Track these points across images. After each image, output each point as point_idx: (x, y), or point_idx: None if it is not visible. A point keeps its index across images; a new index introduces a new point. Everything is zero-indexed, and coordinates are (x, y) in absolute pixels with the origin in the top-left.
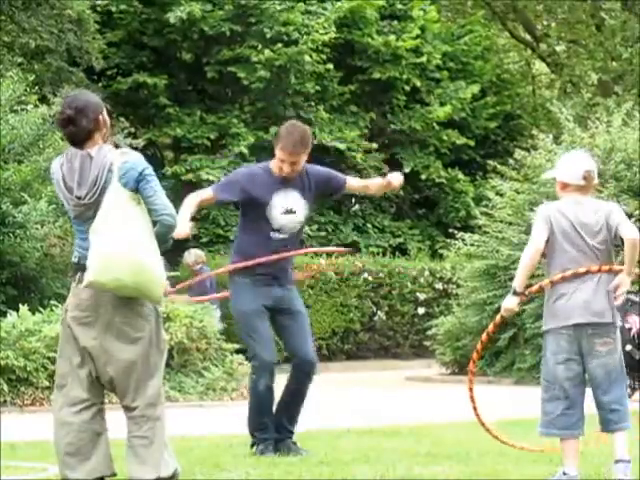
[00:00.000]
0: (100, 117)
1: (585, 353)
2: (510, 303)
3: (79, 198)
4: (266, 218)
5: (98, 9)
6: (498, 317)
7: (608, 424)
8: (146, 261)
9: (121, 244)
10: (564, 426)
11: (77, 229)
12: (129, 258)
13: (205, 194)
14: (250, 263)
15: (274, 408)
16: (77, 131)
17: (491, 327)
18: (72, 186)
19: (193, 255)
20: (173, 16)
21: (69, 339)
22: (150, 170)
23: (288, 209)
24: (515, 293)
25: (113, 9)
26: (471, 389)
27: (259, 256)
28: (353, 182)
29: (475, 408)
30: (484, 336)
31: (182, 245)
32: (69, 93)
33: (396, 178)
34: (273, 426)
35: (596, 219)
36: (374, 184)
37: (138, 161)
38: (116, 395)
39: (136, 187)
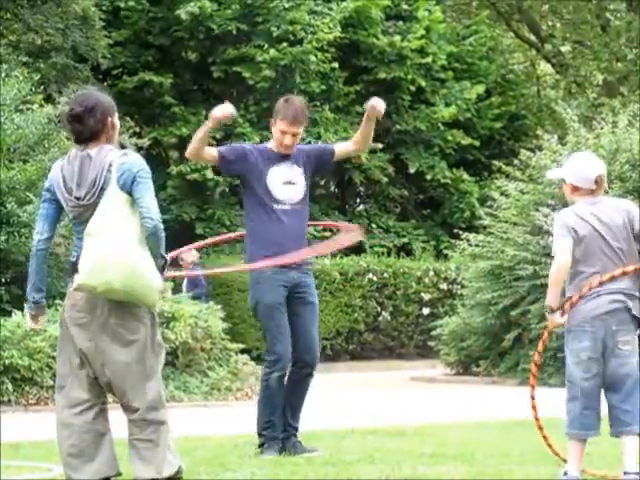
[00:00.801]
0: (109, 119)
1: (608, 352)
2: (557, 319)
3: (78, 199)
4: (266, 189)
5: (104, 8)
6: (545, 333)
7: (619, 425)
8: (138, 266)
9: (114, 248)
10: (581, 426)
11: (75, 229)
12: (121, 262)
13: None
14: (271, 263)
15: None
16: (82, 129)
17: (545, 335)
18: (72, 187)
19: (189, 255)
20: (184, 12)
21: (67, 340)
22: (145, 172)
23: (287, 180)
24: (552, 311)
25: (122, 5)
26: (532, 397)
27: (271, 233)
28: (341, 146)
29: (535, 410)
30: (540, 346)
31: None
32: (82, 90)
33: (375, 101)
34: (281, 425)
35: (617, 217)
36: (360, 131)
37: (136, 162)
38: (114, 397)
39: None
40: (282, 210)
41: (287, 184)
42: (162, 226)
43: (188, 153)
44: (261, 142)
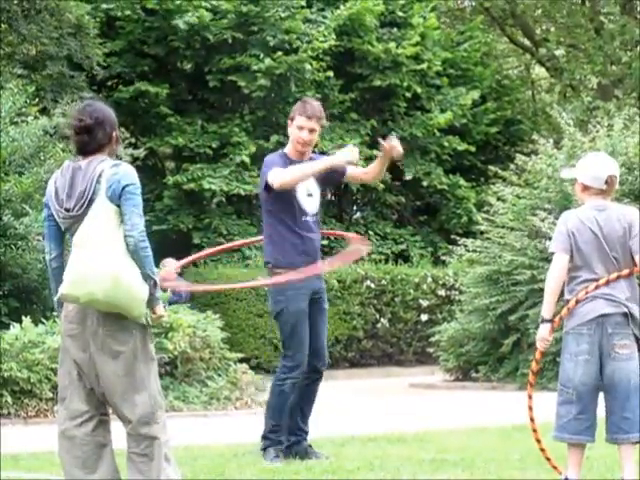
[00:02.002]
0: (114, 133)
1: (604, 354)
2: (543, 333)
3: (68, 210)
4: (296, 202)
5: (98, 19)
6: (537, 353)
7: (617, 432)
8: (122, 277)
9: (98, 259)
10: (575, 431)
11: (70, 241)
12: (104, 273)
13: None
14: (295, 278)
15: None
16: (90, 141)
17: (534, 364)
18: (63, 199)
19: (172, 265)
20: (182, 22)
21: (66, 352)
22: (134, 187)
23: (309, 193)
24: (544, 321)
25: (118, 14)
26: (530, 407)
27: (299, 244)
28: (354, 169)
29: (533, 422)
30: (534, 365)
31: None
32: (86, 101)
33: (393, 141)
34: (288, 430)
35: (618, 227)
36: (372, 166)
37: (126, 174)
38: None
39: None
40: (305, 222)
41: (309, 196)
42: (145, 245)
43: (283, 184)
44: (256, 152)
